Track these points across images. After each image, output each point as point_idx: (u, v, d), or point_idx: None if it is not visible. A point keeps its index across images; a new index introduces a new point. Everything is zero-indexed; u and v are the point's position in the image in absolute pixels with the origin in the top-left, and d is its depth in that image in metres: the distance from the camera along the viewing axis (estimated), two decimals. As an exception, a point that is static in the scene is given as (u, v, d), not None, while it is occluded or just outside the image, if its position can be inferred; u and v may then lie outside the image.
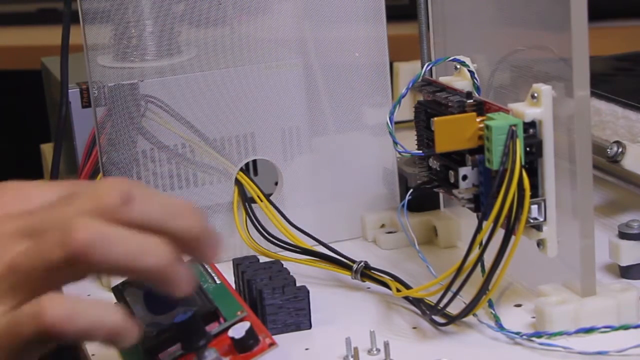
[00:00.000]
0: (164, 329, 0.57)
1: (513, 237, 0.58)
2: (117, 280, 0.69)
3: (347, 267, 0.68)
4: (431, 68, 0.70)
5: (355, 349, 0.59)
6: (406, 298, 0.65)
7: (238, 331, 0.56)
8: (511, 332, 0.60)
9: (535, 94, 0.59)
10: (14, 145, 1.58)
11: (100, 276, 0.72)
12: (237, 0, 0.74)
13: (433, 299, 0.61)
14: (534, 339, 0.59)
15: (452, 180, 0.62)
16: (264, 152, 0.75)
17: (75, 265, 0.47)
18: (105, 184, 0.49)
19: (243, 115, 0.74)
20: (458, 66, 0.66)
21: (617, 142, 0.74)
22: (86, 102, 0.80)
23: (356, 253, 0.70)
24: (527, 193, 0.58)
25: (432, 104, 0.65)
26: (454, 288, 0.59)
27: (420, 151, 0.65)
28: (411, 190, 0.68)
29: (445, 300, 0.60)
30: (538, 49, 0.63)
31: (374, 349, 0.60)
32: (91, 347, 0.64)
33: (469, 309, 0.60)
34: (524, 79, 0.63)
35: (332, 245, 0.71)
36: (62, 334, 0.46)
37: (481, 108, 0.61)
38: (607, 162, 0.74)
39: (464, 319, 0.61)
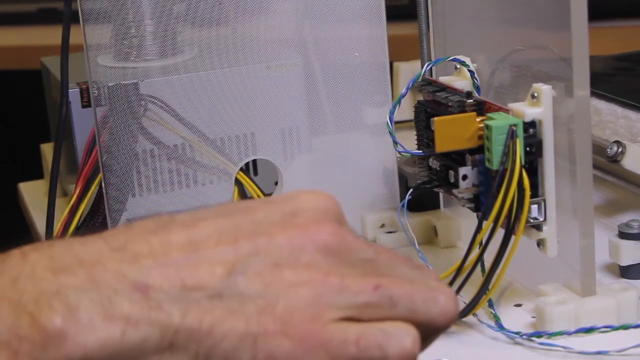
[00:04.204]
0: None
1: (513, 237, 0.58)
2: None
3: (347, 267, 0.68)
4: (431, 68, 0.70)
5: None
6: (406, 298, 0.65)
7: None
8: (511, 332, 0.60)
9: (535, 94, 0.59)
10: (14, 145, 1.58)
11: None
12: (238, 0, 0.74)
13: (433, 299, 0.61)
14: (534, 338, 0.59)
15: (452, 180, 0.61)
16: (264, 152, 0.75)
17: None
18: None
19: (243, 115, 0.74)
20: (458, 66, 0.66)
21: (617, 142, 0.74)
22: (86, 102, 0.80)
23: (356, 253, 0.70)
24: (527, 193, 0.58)
25: (432, 103, 0.65)
26: (454, 288, 0.59)
27: (420, 151, 0.65)
28: (411, 190, 0.68)
29: (445, 300, 0.60)
30: (538, 49, 0.63)
31: (374, 349, 0.59)
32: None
33: (469, 308, 0.60)
34: (524, 78, 0.63)
35: (332, 245, 0.70)
36: None
37: (481, 108, 0.61)
38: (607, 162, 0.74)
39: (464, 319, 0.61)
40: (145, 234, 0.43)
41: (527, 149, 0.59)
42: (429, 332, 0.44)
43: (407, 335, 0.43)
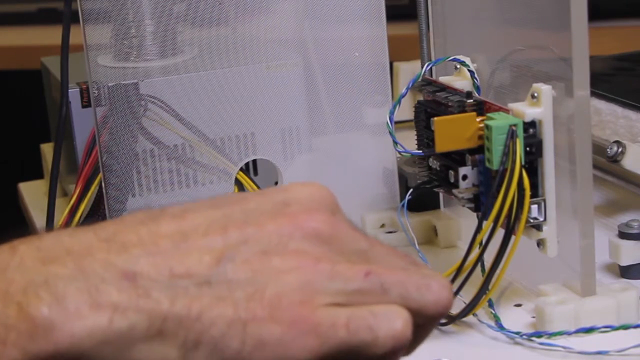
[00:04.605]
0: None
1: (513, 237, 0.58)
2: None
3: (347, 267, 0.68)
4: (431, 68, 0.70)
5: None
6: (406, 298, 0.65)
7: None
8: (511, 332, 0.60)
9: (535, 94, 0.59)
10: (14, 145, 1.58)
11: None
12: (238, 0, 0.74)
13: (433, 299, 0.61)
14: (534, 338, 0.59)
15: (452, 180, 0.61)
16: (264, 152, 0.75)
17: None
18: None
19: (243, 115, 0.74)
20: (458, 66, 0.66)
21: (617, 142, 0.74)
22: (86, 102, 0.80)
23: (356, 253, 0.70)
24: (527, 193, 0.58)
25: (432, 103, 0.65)
26: (454, 288, 0.59)
27: (420, 151, 0.65)
28: (411, 190, 0.68)
29: (445, 300, 0.60)
30: (538, 49, 0.63)
31: (374, 349, 0.59)
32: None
33: (469, 308, 0.60)
34: (524, 78, 0.63)
35: (332, 245, 0.70)
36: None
37: (481, 108, 0.61)
38: (607, 162, 0.74)
39: (464, 319, 0.61)
40: (134, 225, 0.43)
41: (527, 149, 0.59)
42: (422, 321, 0.44)
43: (397, 317, 0.43)
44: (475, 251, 0.59)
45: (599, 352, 0.57)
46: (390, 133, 0.64)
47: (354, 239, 0.45)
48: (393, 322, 0.42)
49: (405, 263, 0.45)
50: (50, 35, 1.34)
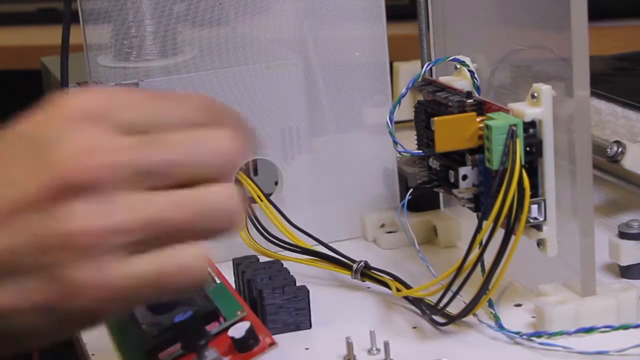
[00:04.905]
0: (164, 329, 0.57)
1: (513, 237, 0.58)
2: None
3: (347, 267, 0.68)
4: (431, 68, 0.70)
5: (350, 344, 0.58)
6: (406, 298, 0.65)
7: (238, 331, 0.56)
8: (511, 332, 0.60)
9: (535, 94, 0.59)
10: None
11: None
12: (238, 0, 0.74)
13: (433, 299, 0.61)
14: (534, 338, 0.59)
15: (452, 180, 0.62)
16: (264, 152, 0.75)
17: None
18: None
19: (243, 115, 0.74)
20: (458, 66, 0.66)
21: (617, 142, 0.74)
22: (86, 102, 0.80)
23: (356, 253, 0.70)
24: (527, 193, 0.58)
25: (432, 103, 0.65)
26: (454, 288, 0.59)
27: (420, 151, 0.65)
28: (411, 190, 0.68)
29: (445, 300, 0.60)
30: (538, 49, 0.63)
31: (374, 349, 0.60)
32: (91, 347, 0.64)
33: (469, 308, 0.60)
34: (524, 78, 0.63)
35: (332, 245, 0.70)
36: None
37: (481, 108, 0.61)
38: (607, 162, 0.74)
39: (464, 319, 0.61)
40: None
41: (527, 149, 0.59)
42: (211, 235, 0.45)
43: (191, 263, 0.44)
44: (475, 251, 0.59)
45: (599, 352, 0.57)
46: (390, 133, 0.64)
47: (118, 149, 0.43)
48: (191, 271, 0.44)
49: (183, 127, 0.46)
50: (50, 35, 1.34)
